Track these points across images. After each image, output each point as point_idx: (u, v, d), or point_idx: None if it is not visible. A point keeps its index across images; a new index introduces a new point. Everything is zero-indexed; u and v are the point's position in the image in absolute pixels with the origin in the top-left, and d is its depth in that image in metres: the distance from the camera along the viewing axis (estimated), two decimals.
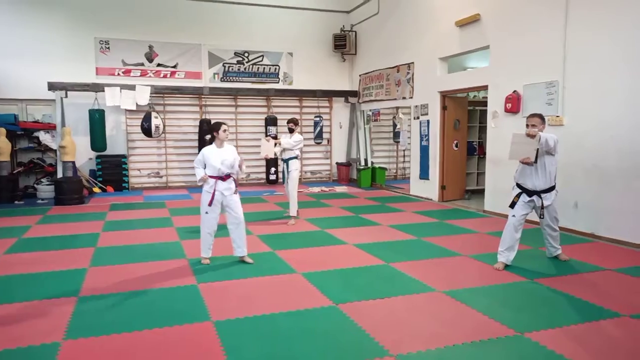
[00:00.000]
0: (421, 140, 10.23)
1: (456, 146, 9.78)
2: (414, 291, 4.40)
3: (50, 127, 10.81)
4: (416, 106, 10.40)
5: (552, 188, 5.01)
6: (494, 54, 8.18)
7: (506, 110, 7.81)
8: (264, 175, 12.65)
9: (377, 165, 12.90)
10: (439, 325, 3.63)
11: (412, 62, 10.49)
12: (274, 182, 12.32)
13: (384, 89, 11.70)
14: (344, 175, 13.25)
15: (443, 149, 9.71)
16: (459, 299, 4.17)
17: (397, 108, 12.56)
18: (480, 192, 9.43)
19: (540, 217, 5.09)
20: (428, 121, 9.96)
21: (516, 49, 7.64)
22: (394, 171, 14.34)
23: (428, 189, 10.08)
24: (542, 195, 4.98)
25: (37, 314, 3.86)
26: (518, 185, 5.12)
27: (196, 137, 12.02)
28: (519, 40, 7.57)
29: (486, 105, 8.59)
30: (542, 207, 5.00)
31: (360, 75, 12.92)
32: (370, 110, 13.00)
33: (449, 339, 3.38)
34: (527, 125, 4.90)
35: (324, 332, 3.50)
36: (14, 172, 10.28)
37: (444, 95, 9.62)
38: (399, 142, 13.17)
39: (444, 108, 9.65)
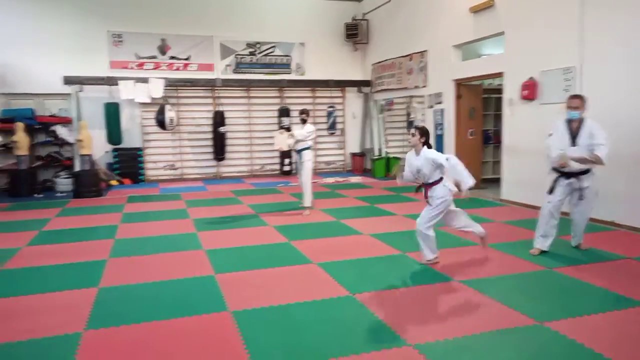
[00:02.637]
0: (436, 129, 10.14)
1: (471, 135, 9.68)
2: (431, 281, 4.39)
3: (66, 121, 10.94)
4: (430, 95, 10.30)
5: (589, 170, 4.92)
6: (509, 40, 8.05)
7: (522, 98, 7.70)
8: (278, 167, 12.67)
9: (391, 155, 12.84)
10: (457, 315, 3.62)
11: (426, 50, 10.38)
12: (288, 173, 12.35)
13: (396, 78, 11.61)
14: (358, 165, 13.21)
15: (458, 137, 9.62)
16: (477, 288, 4.15)
17: (411, 97, 12.45)
18: (496, 181, 9.32)
19: (579, 199, 5.01)
20: (442, 110, 9.87)
21: (532, 35, 7.51)
22: None
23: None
24: (580, 177, 4.90)
25: (59, 304, 3.93)
26: (554, 170, 5.02)
27: (210, 129, 12.07)
28: (535, 26, 7.43)
29: (502, 93, 8.48)
30: (581, 189, 4.93)
31: (372, 65, 12.83)
32: (383, 99, 12.92)
33: (467, 328, 3.37)
34: (569, 108, 4.81)
35: (341, 322, 3.51)
36: (33, 166, 10.43)
37: (459, 83, 9.51)
38: None
39: (458, 96, 9.55)
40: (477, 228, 5.10)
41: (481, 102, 9.97)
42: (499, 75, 8.43)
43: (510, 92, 8.04)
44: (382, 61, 12.25)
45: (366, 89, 13.19)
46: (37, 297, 4.09)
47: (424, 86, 10.53)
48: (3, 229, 6.83)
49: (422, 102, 10.95)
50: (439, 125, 10.03)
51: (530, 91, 7.53)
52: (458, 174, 4.55)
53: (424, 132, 4.73)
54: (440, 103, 9.95)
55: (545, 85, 7.31)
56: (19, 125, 9.91)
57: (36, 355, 3.07)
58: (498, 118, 9.87)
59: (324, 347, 3.12)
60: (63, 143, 10.92)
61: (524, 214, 7.26)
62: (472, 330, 3.33)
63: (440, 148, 10.00)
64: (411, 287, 4.22)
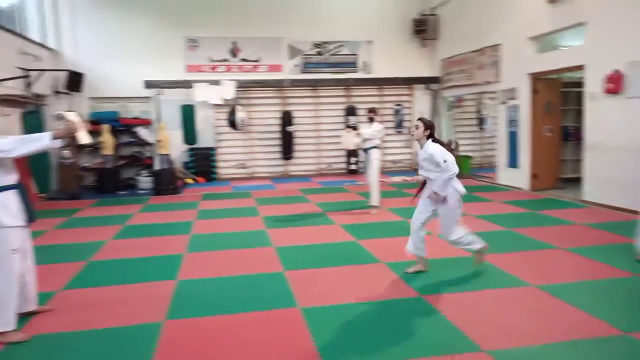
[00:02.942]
0: (509, 126, 9.72)
1: (549, 132, 9.17)
2: (506, 285, 4.22)
3: (147, 123, 11.62)
4: (503, 90, 9.88)
5: None
6: (592, 30, 7.53)
7: (606, 91, 7.19)
8: (344, 165, 12.71)
9: (461, 153, 12.46)
10: (534, 322, 3.46)
11: (499, 44, 9.96)
12: (355, 172, 12.35)
13: (467, 73, 11.24)
14: None
15: (534, 135, 9.15)
16: (555, 294, 3.94)
17: (482, 93, 12.01)
18: (576, 181, 8.77)
19: None
20: (516, 106, 9.43)
21: (617, 24, 6.98)
22: (479, 159, 13.77)
23: (517, 178, 9.57)
24: None
25: (141, 294, 4.20)
26: None
27: (278, 128, 12.33)
28: (621, 14, 6.91)
29: (583, 87, 7.96)
30: None
31: (441, 61, 12.51)
32: (452, 96, 12.56)
33: (544, 336, 3.22)
34: None
35: (411, 324, 3.47)
36: (117, 165, 11.19)
37: (535, 78, 9.04)
38: (484, 128, 12.61)
39: (534, 91, 9.08)
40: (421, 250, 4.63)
41: (560, 97, 9.41)
42: (579, 68, 7.91)
43: (592, 85, 7.53)
44: (452, 57, 11.91)
45: (434, 86, 12.89)
46: (121, 288, 4.39)
47: (497, 81, 10.11)
48: (92, 223, 7.38)
49: (494, 98, 10.53)
50: (512, 122, 9.60)
51: (615, 84, 7.02)
52: (443, 180, 4.27)
53: (428, 125, 4.47)
54: (514, 99, 9.51)
55: (634, 77, 6.77)
56: (105, 127, 10.68)
57: (122, 342, 3.30)
58: (579, 113, 9.28)
59: (393, 348, 3.10)
60: (144, 143, 11.61)
61: (608, 216, 6.78)
62: (550, 339, 3.17)
63: (513, 146, 9.58)
64: (484, 291, 4.09)
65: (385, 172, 12.36)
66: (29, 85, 9.53)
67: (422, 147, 4.47)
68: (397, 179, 11.56)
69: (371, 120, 7.55)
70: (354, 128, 9.01)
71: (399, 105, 12.78)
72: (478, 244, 4.59)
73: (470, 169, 12.15)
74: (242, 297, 4.09)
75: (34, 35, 10.70)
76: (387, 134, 12.41)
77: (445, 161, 4.21)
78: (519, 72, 9.28)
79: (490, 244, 5.52)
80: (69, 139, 3.50)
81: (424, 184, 4.60)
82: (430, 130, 4.46)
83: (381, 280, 4.42)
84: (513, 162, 9.67)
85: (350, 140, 7.50)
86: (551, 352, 3.02)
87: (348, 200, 8.87)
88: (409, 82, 12.85)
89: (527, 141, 9.22)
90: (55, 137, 3.35)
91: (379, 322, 3.50)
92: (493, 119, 10.82)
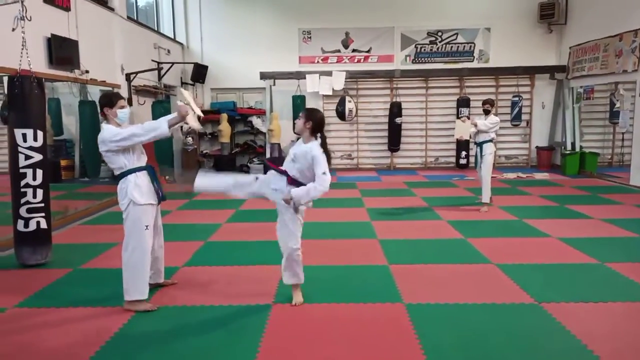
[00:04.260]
0: None
1: None
2: (637, 298, 3.76)
3: (261, 113, 12.19)
4: None
5: None
6: None
7: None
8: (454, 159, 12.22)
9: (587, 150, 11.34)
10: None
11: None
12: (465, 167, 11.82)
13: (600, 61, 10.14)
14: (544, 160, 11.98)
15: None
16: None
17: (617, 84, 10.76)
18: None
19: None
20: None
21: None
22: (609, 157, 12.42)
23: None
24: None
25: (251, 277, 4.42)
26: None
27: (386, 119, 12.20)
28: None
29: None
30: None
31: (570, 48, 11.41)
32: (581, 87, 11.43)
33: None
34: None
35: (526, 332, 3.23)
36: (233, 152, 11.91)
37: None
38: (617, 123, 11.30)
39: None
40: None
41: None
42: None
43: None
44: (583, 43, 10.81)
45: (560, 76, 11.83)
46: (234, 268, 4.67)
47: (635, 70, 9.00)
48: (209, 206, 7.94)
49: (632, 89, 9.39)
50: None
51: None
52: (310, 190, 3.53)
53: (312, 118, 3.67)
54: None
55: None
56: (224, 116, 11.42)
57: (235, 320, 3.51)
58: None
59: (506, 356, 2.92)
60: (257, 132, 12.21)
61: None
62: None
63: None
64: (611, 303, 3.67)
65: (498, 167, 11.69)
66: (160, 76, 10.48)
67: (304, 142, 3.72)
68: (511, 175, 10.86)
69: (486, 112, 7.14)
70: (467, 119, 8.61)
71: (517, 96, 11.94)
72: (295, 278, 3.76)
73: (597, 168, 11.01)
74: (346, 287, 4.12)
75: (167, 31, 11.73)
76: (502, 127, 11.67)
77: (324, 173, 3.54)
78: None
79: (619, 251, 4.99)
80: (184, 123, 3.71)
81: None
82: (313, 124, 3.66)
83: (492, 282, 4.18)
84: None
85: (465, 129, 7.16)
86: None
87: (456, 196, 8.52)
88: (530, 71, 11.94)
89: None
90: (170, 125, 3.58)
91: (489, 327, 3.31)
92: (629, 113, 9.66)
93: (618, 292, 3.91)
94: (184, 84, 11.93)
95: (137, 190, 3.61)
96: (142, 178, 3.68)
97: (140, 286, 3.65)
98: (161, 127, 3.56)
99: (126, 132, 3.54)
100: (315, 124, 3.67)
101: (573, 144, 11.51)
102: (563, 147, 11.63)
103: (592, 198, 8.10)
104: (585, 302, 3.69)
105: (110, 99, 3.69)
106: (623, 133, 11.76)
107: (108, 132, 3.55)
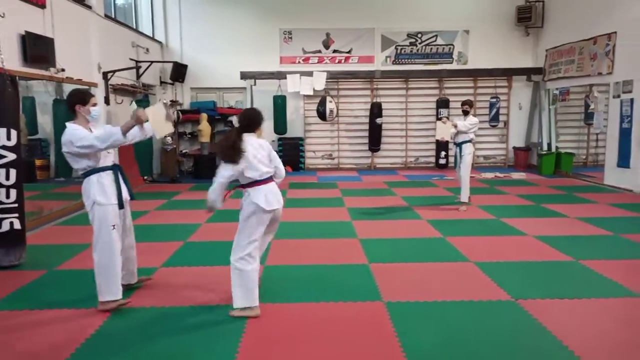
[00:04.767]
0: (621, 122, 8.83)
1: None
2: (611, 294, 3.85)
3: None
4: (617, 83, 8.98)
5: None
6: None
7: None
8: (433, 159, 12.35)
9: (562, 151, 11.58)
10: None
11: (614, 32, 9.06)
12: (444, 167, 11.96)
13: (576, 64, 10.37)
14: (521, 160, 12.19)
15: None
16: None
17: (591, 86, 11.02)
18: None
19: None
20: (632, 100, 8.54)
21: None
22: (584, 157, 12.71)
23: (628, 179, 8.69)
24: None
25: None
26: None
27: (367, 120, 12.26)
28: None
29: None
30: None
31: (547, 50, 11.64)
32: (557, 89, 11.66)
33: None
34: None
35: (503, 328, 3.29)
36: (213, 152, 11.79)
37: None
38: (591, 124, 11.58)
39: None
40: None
41: None
42: None
43: None
44: (559, 46, 11.04)
45: (537, 77, 12.05)
46: (213, 269, 4.62)
47: (609, 73, 9.22)
48: (189, 206, 7.86)
49: (606, 91, 9.63)
50: (626, 118, 8.71)
51: None
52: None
53: (242, 118, 3.58)
54: (629, 92, 8.62)
55: None
56: (203, 116, 11.30)
57: (214, 320, 3.48)
58: None
59: (483, 352, 2.96)
60: None
61: None
62: None
63: (627, 143, 8.70)
64: (586, 299, 3.76)
65: (476, 167, 11.85)
66: (138, 75, 10.34)
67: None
68: (489, 175, 11.03)
69: (465, 113, 7.23)
70: (448, 119, 8.71)
71: (494, 97, 12.13)
72: (243, 300, 3.44)
73: (572, 168, 11.25)
74: (327, 286, 4.12)
75: (145, 29, 11.58)
76: (481, 128, 11.81)
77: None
78: (637, 63, 8.38)
79: (594, 248, 5.10)
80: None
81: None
82: (242, 123, 3.57)
83: (470, 280, 4.24)
84: (624, 162, 8.78)
85: (446, 131, 7.23)
86: None
87: (436, 195, 8.61)
88: (507, 73, 12.14)
89: None
90: (124, 130, 3.49)
91: (468, 324, 3.35)
92: (603, 114, 9.90)
93: (592, 288, 4.00)
94: (162, 83, 11.79)
95: (100, 191, 3.56)
96: (106, 178, 3.62)
97: (111, 287, 3.59)
98: (116, 134, 3.48)
99: (87, 141, 3.44)
100: (245, 125, 3.58)
101: (549, 145, 11.73)
102: (539, 148, 11.84)
103: (567, 197, 8.27)
104: (560, 299, 3.76)
105: (83, 96, 3.63)
106: (597, 134, 12.06)
107: (73, 135, 3.46)
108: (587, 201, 7.87)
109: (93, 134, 3.51)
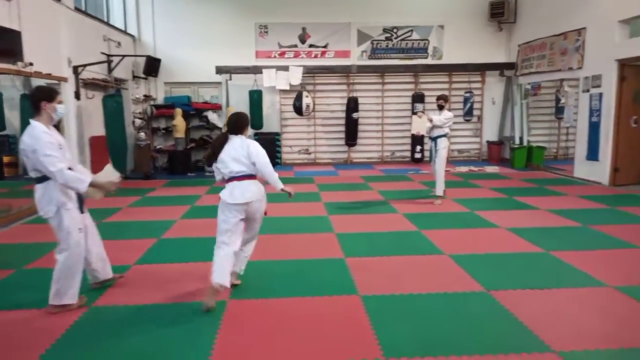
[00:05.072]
0: (591, 116, 9.07)
1: (635, 123, 8.46)
2: (580, 284, 3.96)
3: (217, 107, 11.98)
4: (586, 77, 9.21)
5: None
6: None
7: None
8: (409, 154, 12.46)
9: (534, 144, 11.82)
10: (610, 324, 3.23)
11: (584, 28, 9.27)
12: (420, 161, 12.08)
13: (547, 59, 10.58)
14: (495, 154, 12.41)
15: (618, 125, 8.48)
16: (635, 296, 3.65)
17: (562, 80, 11.27)
18: None
19: None
20: (600, 94, 8.77)
21: None
22: (555, 151, 13.01)
23: (597, 171, 8.94)
24: None
25: (206, 274, 4.32)
26: None
27: (343, 114, 12.28)
28: None
29: None
30: None
31: (519, 46, 11.84)
32: (529, 83, 11.89)
33: (621, 340, 3.00)
34: None
35: (476, 319, 3.35)
36: (188, 147, 11.66)
37: (623, 64, 8.35)
38: (562, 118, 11.86)
39: (622, 79, 8.39)
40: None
41: None
42: None
43: None
44: (531, 41, 11.24)
45: (509, 73, 12.26)
46: (189, 265, 4.58)
47: (579, 68, 9.44)
48: (163, 202, 7.76)
49: (576, 85, 9.86)
50: (594, 112, 8.94)
51: None
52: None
53: (229, 121, 3.88)
54: (598, 87, 8.85)
55: None
56: (178, 111, 11.14)
57: (189, 317, 3.44)
58: None
59: (457, 343, 3.01)
60: (213, 127, 11.99)
61: None
62: (629, 343, 2.95)
63: (595, 137, 8.94)
64: (555, 289, 3.85)
65: (450, 161, 12.01)
66: (110, 70, 10.12)
67: None
68: (463, 168, 11.19)
69: (440, 107, 7.31)
70: (423, 114, 8.79)
71: (469, 92, 12.30)
72: (216, 276, 3.58)
73: (543, 161, 11.51)
74: (303, 281, 4.13)
75: (117, 22, 11.33)
76: (455, 122, 11.95)
77: None
78: (606, 58, 8.60)
79: (563, 240, 5.24)
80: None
81: None
82: (228, 127, 3.87)
83: (444, 272, 4.30)
84: (593, 155, 9.03)
85: (421, 125, 7.30)
86: (627, 357, 2.81)
87: (411, 189, 8.69)
88: (481, 68, 12.31)
89: (611, 132, 8.57)
90: (87, 186, 3.43)
91: (442, 316, 3.40)
92: (573, 108, 10.15)
93: (562, 279, 4.11)
94: (135, 77, 11.56)
95: (64, 195, 3.47)
96: None
97: (73, 291, 3.56)
98: (79, 184, 3.39)
99: (53, 166, 3.28)
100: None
101: (521, 139, 11.97)
102: (512, 142, 12.07)
103: (538, 190, 8.46)
104: (531, 289, 3.85)
105: (50, 93, 3.53)
106: (568, 128, 12.37)
107: (42, 146, 3.29)
108: (557, 193, 8.06)
109: (62, 165, 3.33)
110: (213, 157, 3.79)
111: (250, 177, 3.83)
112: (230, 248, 3.71)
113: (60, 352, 2.97)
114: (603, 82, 8.72)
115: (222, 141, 3.79)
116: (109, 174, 3.78)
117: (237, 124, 3.84)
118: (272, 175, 3.89)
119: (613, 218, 6.25)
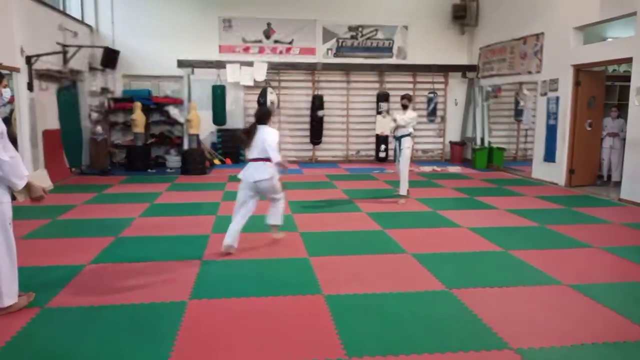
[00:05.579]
0: (548, 118, 9.37)
1: (589, 126, 8.80)
2: (536, 282, 4.06)
3: (178, 102, 11.70)
4: (544, 81, 9.51)
5: None
6: None
7: None
8: (374, 153, 12.55)
9: (494, 145, 12.13)
10: (565, 321, 3.32)
11: (542, 33, 9.57)
12: (384, 160, 12.18)
13: (507, 62, 10.87)
14: (457, 155, 12.67)
15: (574, 128, 8.80)
16: (589, 294, 3.77)
17: (521, 84, 11.61)
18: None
19: None
20: (557, 98, 9.07)
21: None
22: (514, 152, 13.39)
23: (553, 173, 9.25)
24: None
25: (167, 273, 4.22)
26: None
27: (309, 112, 12.24)
28: None
29: (628, 81, 7.57)
30: None
31: (480, 49, 12.12)
32: (489, 86, 12.19)
33: (576, 336, 3.08)
34: None
35: (437, 317, 3.37)
36: (147, 143, 11.34)
37: (578, 69, 8.66)
38: (521, 120, 12.22)
39: (577, 83, 8.70)
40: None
41: (603, 91, 9.00)
42: (628, 60, 7.53)
43: None
44: (492, 44, 11.53)
45: (471, 75, 12.53)
46: (148, 265, 4.43)
47: (538, 72, 9.74)
48: (121, 199, 7.50)
49: (534, 89, 10.17)
50: (552, 115, 9.25)
51: None
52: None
53: (257, 113, 4.96)
54: (555, 90, 9.15)
55: None
56: (137, 105, 10.79)
57: (147, 319, 3.32)
58: (623, 108, 8.87)
59: (418, 341, 3.02)
60: (174, 122, 11.70)
61: None
62: (582, 339, 3.04)
63: (552, 139, 9.25)
64: (514, 287, 3.94)
65: (414, 161, 12.17)
66: (66, 60, 9.70)
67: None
68: (427, 168, 11.35)
69: (405, 107, 7.37)
70: (387, 113, 8.85)
71: (432, 93, 12.49)
72: (226, 239, 4.76)
73: (503, 162, 11.83)
74: (265, 281, 4.06)
75: (74, 12, 10.87)
76: (419, 122, 12.11)
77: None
78: (562, 63, 8.91)
79: (521, 239, 5.37)
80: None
81: None
82: (256, 117, 4.92)
83: (407, 271, 4.33)
84: (550, 156, 9.34)
85: (386, 124, 7.34)
86: (582, 353, 2.89)
87: (376, 188, 8.75)
88: (444, 69, 12.53)
89: (567, 135, 8.87)
90: (23, 184, 3.25)
91: (404, 314, 3.41)
92: (531, 111, 10.47)
93: (520, 277, 4.20)
94: (92, 69, 11.13)
95: (2, 189, 3.24)
96: None
97: (15, 289, 3.35)
98: (17, 180, 3.19)
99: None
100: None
101: (482, 140, 12.26)
102: (473, 142, 12.35)
103: (498, 190, 8.67)
104: (491, 288, 3.92)
105: None
106: (526, 130, 12.76)
107: None
108: (516, 194, 8.29)
109: (5, 154, 3.14)
110: (247, 142, 4.74)
111: (265, 160, 4.62)
112: (239, 218, 4.75)
113: (8, 357, 2.80)
114: (560, 86, 9.02)
115: (252, 130, 4.75)
116: (43, 179, 3.56)
117: (261, 116, 4.82)
118: (274, 151, 4.60)
119: (568, 218, 6.46)
